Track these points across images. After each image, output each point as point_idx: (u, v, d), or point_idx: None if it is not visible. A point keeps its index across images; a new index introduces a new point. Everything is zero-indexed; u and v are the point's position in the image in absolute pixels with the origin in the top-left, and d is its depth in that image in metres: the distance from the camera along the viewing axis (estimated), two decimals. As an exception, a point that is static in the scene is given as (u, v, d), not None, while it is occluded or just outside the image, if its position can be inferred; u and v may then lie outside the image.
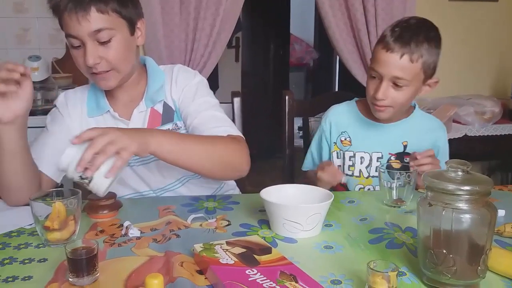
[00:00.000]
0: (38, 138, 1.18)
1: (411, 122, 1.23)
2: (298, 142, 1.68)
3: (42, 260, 0.82)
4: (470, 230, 0.70)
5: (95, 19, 0.99)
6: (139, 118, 1.14)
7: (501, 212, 1.00)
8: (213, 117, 1.12)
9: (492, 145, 2.19)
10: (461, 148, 2.09)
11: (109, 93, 1.16)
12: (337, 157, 1.27)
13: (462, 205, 0.69)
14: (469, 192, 0.69)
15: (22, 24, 2.17)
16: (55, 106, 1.22)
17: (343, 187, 1.28)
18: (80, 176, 0.86)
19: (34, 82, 1.74)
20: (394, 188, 1.08)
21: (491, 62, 2.58)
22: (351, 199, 1.14)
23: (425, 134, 1.23)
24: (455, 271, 0.70)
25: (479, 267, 0.70)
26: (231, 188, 1.33)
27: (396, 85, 1.11)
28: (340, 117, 1.28)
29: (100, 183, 0.87)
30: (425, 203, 0.73)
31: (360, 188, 1.28)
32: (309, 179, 1.31)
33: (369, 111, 1.23)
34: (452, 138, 2.09)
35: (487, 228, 0.70)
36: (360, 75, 2.24)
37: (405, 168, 1.14)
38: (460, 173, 0.72)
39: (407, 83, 1.11)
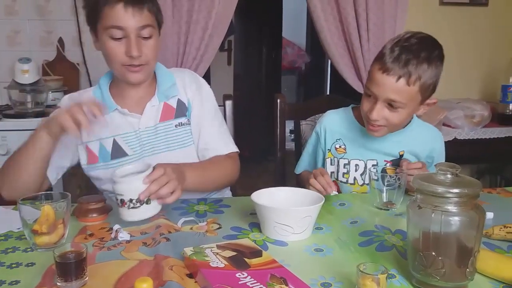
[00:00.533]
0: None
1: (408, 132, 1.20)
2: (290, 145, 1.69)
3: (30, 264, 0.81)
4: (459, 232, 0.71)
5: (146, 16, 1.11)
6: (152, 111, 1.20)
7: (489, 215, 1.01)
8: (219, 136, 1.26)
9: (482, 148, 2.21)
10: (450, 151, 2.08)
11: (117, 93, 1.22)
12: (331, 164, 1.26)
13: (451, 208, 0.70)
14: (458, 194, 0.69)
15: (13, 26, 2.15)
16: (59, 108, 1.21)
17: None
18: (134, 199, 0.92)
19: (24, 85, 1.75)
20: (384, 191, 1.08)
21: (481, 66, 2.61)
22: (341, 202, 1.14)
23: (421, 145, 1.21)
24: (444, 273, 0.70)
25: (467, 269, 0.71)
26: (223, 191, 1.34)
27: (391, 106, 1.08)
28: (335, 125, 1.26)
29: (152, 208, 0.94)
30: (414, 205, 0.74)
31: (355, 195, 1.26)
32: (303, 181, 1.31)
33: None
34: (442, 141, 2.11)
35: (475, 231, 0.71)
36: (351, 78, 2.26)
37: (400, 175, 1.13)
38: (449, 176, 0.72)
39: (402, 106, 1.07)
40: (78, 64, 2.20)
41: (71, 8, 2.17)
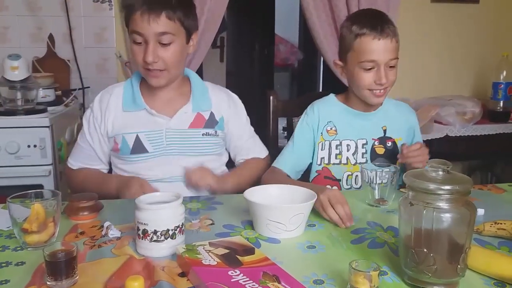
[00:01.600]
0: (79, 142, 1.33)
1: (386, 109, 1.31)
2: (283, 142, 1.68)
3: (19, 264, 0.80)
4: (450, 229, 0.71)
5: (163, 23, 1.15)
6: (183, 118, 1.27)
7: (480, 211, 1.02)
8: (255, 143, 1.41)
9: (473, 145, 2.22)
10: (442, 148, 2.12)
11: (147, 92, 1.27)
12: (321, 149, 1.30)
13: (443, 205, 0.70)
14: (450, 191, 0.70)
15: (2, 22, 2.12)
16: (91, 111, 1.30)
17: (334, 180, 1.30)
18: (159, 231, 0.82)
19: (14, 81, 1.72)
20: (376, 188, 1.09)
21: (472, 63, 2.63)
22: (334, 199, 1.14)
23: (399, 118, 1.33)
24: (436, 269, 0.71)
25: (458, 266, 0.71)
26: None
27: (390, 67, 1.20)
28: (324, 110, 1.32)
29: (176, 244, 0.84)
30: (406, 202, 0.74)
31: (348, 175, 1.29)
32: (274, 177, 1.26)
33: (350, 102, 1.30)
34: (434, 138, 2.12)
35: (466, 227, 0.71)
36: (344, 75, 2.26)
37: (389, 154, 1.24)
38: (440, 172, 0.72)
39: (396, 62, 1.21)
40: (69, 60, 2.18)
41: (61, 4, 2.14)
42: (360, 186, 1.28)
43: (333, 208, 0.97)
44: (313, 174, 1.32)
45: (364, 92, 1.23)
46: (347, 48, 1.23)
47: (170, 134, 1.25)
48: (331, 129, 1.30)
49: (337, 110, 1.32)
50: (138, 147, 1.24)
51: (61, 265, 0.72)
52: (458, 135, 2.18)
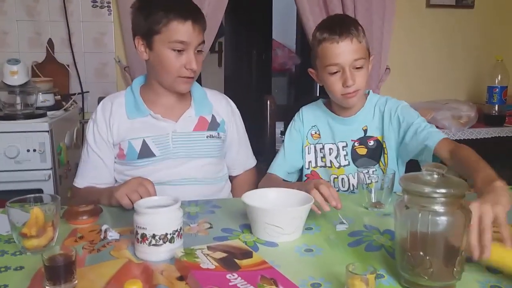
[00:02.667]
0: (85, 158, 1.31)
1: (365, 111, 1.31)
2: (280, 146, 1.69)
3: (18, 268, 0.80)
4: (446, 232, 0.72)
5: (202, 34, 1.24)
6: (187, 121, 1.30)
7: (476, 214, 1.02)
8: (247, 153, 1.47)
9: (469, 149, 2.23)
10: (439, 152, 2.13)
11: (148, 98, 1.30)
12: (308, 153, 1.34)
13: (438, 208, 0.71)
14: (445, 194, 0.71)
15: (1, 27, 2.13)
16: (94, 122, 1.30)
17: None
18: (157, 235, 0.82)
19: (13, 86, 1.73)
20: (373, 191, 1.10)
21: (467, 67, 2.65)
22: (331, 203, 1.15)
23: (379, 114, 1.30)
24: (432, 272, 0.71)
25: (455, 269, 0.72)
26: (225, 192, 1.39)
27: (356, 68, 1.20)
28: (309, 114, 1.38)
29: (174, 248, 0.83)
30: (402, 205, 0.75)
31: (334, 178, 1.32)
32: (270, 182, 1.28)
33: (332, 106, 1.33)
34: (430, 142, 2.13)
35: (462, 230, 0.72)
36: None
37: (372, 152, 1.28)
38: (435, 176, 0.73)
39: (363, 62, 1.20)
40: (68, 65, 2.19)
41: (60, 9, 2.15)
42: (348, 189, 1.31)
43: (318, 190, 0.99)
44: (303, 178, 1.36)
45: (338, 97, 1.24)
46: (314, 56, 1.26)
47: (176, 137, 1.27)
48: (315, 133, 1.34)
49: (321, 114, 1.36)
50: (145, 152, 1.25)
51: (60, 269, 0.72)
52: (454, 139, 2.18)
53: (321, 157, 1.34)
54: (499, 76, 2.30)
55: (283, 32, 5.00)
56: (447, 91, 2.61)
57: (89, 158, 1.29)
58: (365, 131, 1.31)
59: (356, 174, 1.18)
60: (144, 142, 1.25)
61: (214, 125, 1.33)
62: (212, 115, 1.34)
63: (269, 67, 4.55)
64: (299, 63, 5.15)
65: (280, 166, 1.35)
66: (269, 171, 1.36)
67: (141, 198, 1.01)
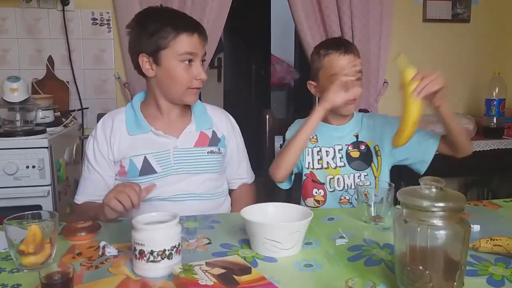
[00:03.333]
0: (85, 175, 1.31)
1: (355, 121, 1.45)
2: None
3: (15, 286, 0.80)
4: (445, 246, 0.72)
5: (204, 44, 1.26)
6: (188, 137, 1.30)
7: (476, 228, 1.02)
8: (247, 168, 1.48)
9: (468, 162, 2.22)
10: (437, 165, 2.11)
11: (149, 114, 1.30)
12: (307, 154, 1.41)
13: (437, 222, 0.71)
14: (443, 208, 0.70)
15: (2, 45, 2.15)
16: (94, 139, 1.30)
17: (319, 184, 1.39)
18: (155, 252, 0.82)
19: (13, 103, 1.74)
20: (372, 205, 1.09)
21: (465, 81, 2.67)
22: (330, 217, 1.15)
23: (368, 124, 1.44)
24: (432, 287, 0.71)
25: (455, 283, 0.72)
26: (224, 206, 1.38)
27: (356, 79, 1.34)
28: None
29: (172, 264, 0.83)
30: (400, 220, 0.74)
31: (330, 179, 1.38)
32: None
33: (326, 118, 1.41)
34: (429, 155, 2.13)
35: (461, 244, 0.72)
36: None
37: (364, 156, 1.38)
38: (434, 190, 0.73)
39: (361, 74, 1.37)
40: (68, 82, 2.20)
41: (60, 26, 2.18)
42: (343, 189, 1.37)
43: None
44: (303, 177, 1.41)
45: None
46: (318, 68, 1.39)
47: (177, 153, 1.27)
48: (313, 137, 1.42)
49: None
50: (147, 168, 1.24)
51: (57, 287, 0.72)
52: (453, 152, 2.19)
53: (318, 159, 1.40)
54: (497, 89, 2.31)
55: (281, 47, 5.05)
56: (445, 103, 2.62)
57: (90, 175, 1.29)
58: (357, 137, 1.42)
59: (351, 175, 1.36)
60: (145, 158, 1.25)
61: (215, 140, 1.34)
62: (213, 130, 1.34)
63: (268, 82, 4.58)
64: (297, 78, 5.18)
65: None
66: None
67: (129, 198, 1.03)
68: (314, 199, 1.40)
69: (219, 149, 1.33)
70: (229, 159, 1.40)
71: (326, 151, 1.41)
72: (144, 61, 1.23)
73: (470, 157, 2.27)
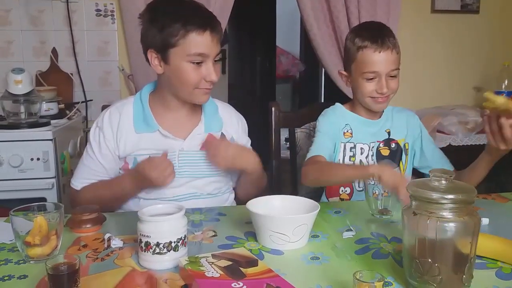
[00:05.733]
0: (88, 163, 1.26)
1: (388, 114, 1.38)
2: (285, 153, 1.68)
3: (22, 277, 0.80)
4: (454, 238, 0.71)
5: (218, 42, 1.17)
6: (195, 139, 1.24)
7: (485, 221, 1.01)
8: None
9: (476, 155, 2.18)
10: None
11: (158, 112, 1.24)
12: (339, 151, 1.34)
13: (446, 214, 0.70)
14: (453, 200, 0.69)
15: (6, 37, 2.15)
16: (101, 131, 1.24)
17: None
18: (161, 244, 0.82)
19: (17, 95, 1.74)
20: (380, 198, 1.08)
21: (474, 73, 2.64)
22: (337, 210, 1.14)
23: (401, 121, 1.38)
24: (441, 280, 0.70)
25: (464, 276, 0.71)
26: (229, 200, 1.36)
27: (391, 76, 1.27)
28: (340, 114, 1.37)
29: (178, 256, 0.83)
30: (409, 212, 0.73)
31: None
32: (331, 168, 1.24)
33: (357, 110, 1.35)
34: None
35: (471, 237, 0.71)
36: (345, 86, 2.26)
37: (393, 154, 1.32)
38: (443, 182, 0.72)
39: (397, 72, 1.28)
40: (72, 74, 2.20)
41: (64, 18, 2.17)
42: (363, 190, 1.26)
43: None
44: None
45: (367, 100, 1.29)
46: (351, 60, 1.29)
47: (182, 156, 1.22)
48: (347, 131, 1.34)
49: (350, 116, 1.37)
50: None
51: (64, 278, 0.71)
52: (461, 145, 2.17)
53: (350, 156, 1.34)
54: (506, 81, 2.29)
55: (287, 39, 5.02)
56: (453, 96, 2.60)
57: (93, 165, 1.24)
58: (389, 133, 1.36)
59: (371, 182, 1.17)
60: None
61: None
62: (221, 133, 1.28)
63: (273, 74, 4.56)
64: (303, 70, 5.16)
65: (323, 147, 1.29)
66: (311, 154, 1.28)
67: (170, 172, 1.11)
68: (340, 198, 1.35)
69: None
70: None
71: (361, 148, 1.33)
72: (153, 56, 1.16)
73: (478, 150, 2.26)
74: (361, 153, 1.33)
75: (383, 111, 1.36)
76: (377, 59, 1.24)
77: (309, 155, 1.29)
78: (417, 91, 2.54)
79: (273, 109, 1.60)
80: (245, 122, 1.39)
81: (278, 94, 4.77)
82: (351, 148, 1.34)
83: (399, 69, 1.28)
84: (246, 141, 1.37)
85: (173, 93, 1.22)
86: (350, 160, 1.33)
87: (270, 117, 1.60)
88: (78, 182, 1.26)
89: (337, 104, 1.41)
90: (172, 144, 1.22)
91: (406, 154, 1.35)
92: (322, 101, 4.84)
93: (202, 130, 1.25)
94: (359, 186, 1.33)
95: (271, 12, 4.42)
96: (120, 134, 1.22)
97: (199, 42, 1.12)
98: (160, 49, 1.14)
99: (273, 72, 4.56)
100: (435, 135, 2.14)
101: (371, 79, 1.26)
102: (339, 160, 1.33)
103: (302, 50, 5.18)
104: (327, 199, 1.37)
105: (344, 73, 1.34)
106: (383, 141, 1.35)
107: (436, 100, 2.54)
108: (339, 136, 1.34)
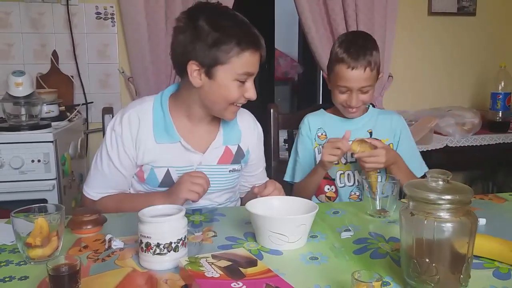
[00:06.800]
0: (105, 171, 1.21)
1: (370, 115, 1.43)
2: (284, 154, 1.70)
3: (23, 278, 0.80)
4: (451, 239, 0.72)
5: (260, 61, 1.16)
6: (214, 153, 1.23)
7: (482, 221, 1.02)
8: (263, 174, 1.42)
9: (473, 155, 2.23)
10: (442, 159, 2.12)
11: (180, 124, 1.20)
12: (318, 153, 1.40)
13: (444, 214, 0.71)
14: (450, 201, 0.70)
15: (7, 40, 2.15)
16: (119, 137, 1.18)
17: (330, 180, 1.40)
18: (162, 244, 0.83)
19: (18, 97, 1.75)
20: (378, 199, 1.09)
21: (470, 75, 2.65)
22: (335, 210, 1.15)
23: (383, 122, 1.42)
24: (438, 280, 0.71)
25: (461, 276, 0.71)
26: (236, 200, 1.37)
27: (362, 91, 1.32)
28: (315, 119, 1.46)
29: (178, 256, 0.84)
30: (407, 212, 0.74)
31: (340, 174, 1.38)
32: (302, 184, 1.40)
33: (337, 112, 1.42)
34: (434, 149, 2.13)
35: (468, 237, 0.71)
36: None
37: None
38: (441, 182, 0.73)
39: (371, 87, 1.34)
40: (72, 76, 2.20)
41: (65, 21, 2.18)
42: (354, 184, 1.38)
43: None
44: None
45: (339, 107, 1.38)
46: (331, 68, 1.36)
47: (200, 170, 1.19)
48: (321, 134, 1.42)
49: (326, 118, 1.45)
50: (167, 181, 1.19)
51: (65, 279, 0.72)
52: (458, 146, 2.19)
53: None
54: (503, 83, 2.30)
55: (285, 41, 5.02)
56: (450, 98, 2.61)
57: (110, 174, 1.20)
58: (371, 133, 1.40)
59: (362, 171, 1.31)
60: (167, 172, 1.19)
61: (238, 157, 1.27)
62: (239, 145, 1.27)
63: (272, 76, 4.57)
64: (301, 72, 5.17)
65: (300, 173, 1.43)
66: (292, 180, 1.45)
67: (203, 189, 1.10)
68: (326, 196, 1.40)
69: (241, 166, 1.28)
70: (249, 166, 1.33)
71: None
72: (193, 69, 1.10)
73: (475, 151, 2.28)
74: None
75: (366, 112, 1.42)
76: (350, 76, 1.29)
77: (290, 179, 1.46)
78: (414, 92, 2.56)
79: (272, 111, 1.62)
80: (261, 128, 1.37)
81: (277, 96, 4.78)
82: None
83: (372, 85, 1.32)
84: (259, 150, 1.35)
85: (202, 105, 1.17)
86: None
87: (269, 119, 1.62)
88: (95, 192, 1.22)
89: (316, 111, 1.48)
90: (191, 157, 1.20)
91: None
92: (320, 102, 4.85)
93: (221, 143, 1.23)
94: (340, 183, 1.38)
95: (270, 15, 4.43)
96: (139, 142, 1.17)
97: (251, 62, 1.11)
98: (206, 64, 1.09)
99: (272, 74, 4.58)
100: (432, 136, 2.16)
101: (343, 92, 1.32)
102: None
103: (301, 52, 5.19)
104: (316, 197, 1.42)
105: (325, 76, 1.42)
106: None
107: (433, 101, 2.55)
108: (313, 144, 1.43)
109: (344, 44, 1.31)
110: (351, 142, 1.25)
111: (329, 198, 1.40)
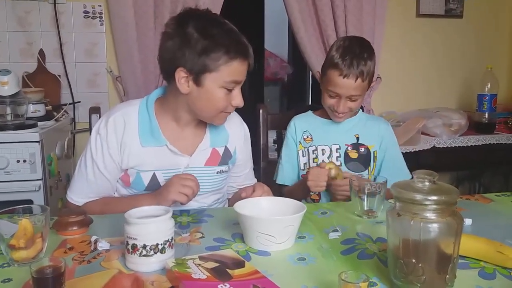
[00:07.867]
0: (89, 177, 1.19)
1: (358, 119, 1.44)
2: (273, 154, 1.70)
3: (6, 281, 0.79)
4: (437, 239, 0.72)
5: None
6: (201, 156, 1.23)
7: (468, 221, 1.03)
8: (251, 175, 1.41)
9: (460, 156, 2.25)
10: (430, 159, 2.15)
11: (166, 127, 1.19)
12: (303, 155, 1.43)
13: (430, 215, 0.71)
14: (436, 202, 0.71)
15: (-9, 38, 2.13)
16: (104, 142, 1.17)
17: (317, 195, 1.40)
18: (148, 246, 0.82)
19: (3, 97, 1.72)
20: (365, 199, 1.10)
21: (458, 76, 2.68)
22: (323, 211, 1.15)
23: (371, 128, 1.43)
24: (424, 280, 0.71)
25: (447, 276, 0.72)
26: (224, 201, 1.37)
27: (351, 99, 1.33)
28: (301, 122, 1.47)
29: (164, 258, 0.83)
30: (394, 213, 0.75)
31: None
32: (291, 192, 1.40)
33: (325, 114, 1.43)
34: (421, 149, 2.15)
35: (454, 237, 0.72)
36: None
37: (363, 158, 1.38)
38: (427, 183, 0.73)
39: (360, 96, 1.34)
40: (59, 75, 2.18)
41: (52, 19, 2.15)
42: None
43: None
44: (299, 178, 1.43)
45: (327, 109, 1.39)
46: (325, 69, 1.35)
47: (188, 172, 1.18)
48: (307, 137, 1.43)
49: (313, 121, 1.46)
50: (154, 185, 1.18)
51: (49, 281, 0.71)
52: (445, 146, 2.21)
53: (313, 158, 1.41)
54: (489, 84, 2.33)
55: (275, 41, 5.03)
56: (438, 99, 2.64)
57: (95, 179, 1.18)
58: (357, 138, 1.41)
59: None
60: (154, 175, 1.17)
61: (225, 158, 1.26)
62: (226, 146, 1.26)
63: (262, 77, 4.58)
64: (291, 73, 5.18)
65: (287, 176, 1.45)
66: (280, 181, 1.46)
67: (193, 190, 1.09)
68: (310, 198, 1.41)
69: (228, 167, 1.28)
70: (236, 167, 1.33)
71: (322, 150, 1.41)
72: (181, 76, 1.10)
73: (462, 152, 2.30)
74: (323, 154, 1.41)
75: (353, 116, 1.42)
76: (340, 83, 1.29)
77: (278, 181, 1.47)
78: (402, 94, 2.58)
79: (261, 111, 1.62)
80: (248, 129, 1.36)
81: (267, 97, 4.79)
82: (313, 151, 1.42)
83: (361, 95, 1.33)
84: (246, 150, 1.35)
85: (189, 110, 1.17)
86: (313, 162, 1.41)
87: (258, 119, 1.62)
88: (79, 197, 1.20)
89: (304, 113, 1.49)
90: (178, 160, 1.19)
91: (374, 162, 1.40)
92: (310, 103, 4.86)
93: (208, 145, 1.23)
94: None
95: (259, 15, 4.43)
96: (125, 145, 1.16)
97: (239, 70, 1.11)
98: (194, 71, 1.09)
99: (262, 75, 4.58)
100: (420, 137, 2.18)
101: (333, 96, 1.33)
102: (305, 164, 1.42)
103: (290, 53, 5.21)
104: (304, 199, 1.43)
105: (318, 74, 1.41)
106: (351, 144, 1.41)
107: (421, 102, 2.58)
108: (297, 146, 1.44)
109: (340, 49, 1.30)
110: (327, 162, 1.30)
111: (313, 200, 1.41)
